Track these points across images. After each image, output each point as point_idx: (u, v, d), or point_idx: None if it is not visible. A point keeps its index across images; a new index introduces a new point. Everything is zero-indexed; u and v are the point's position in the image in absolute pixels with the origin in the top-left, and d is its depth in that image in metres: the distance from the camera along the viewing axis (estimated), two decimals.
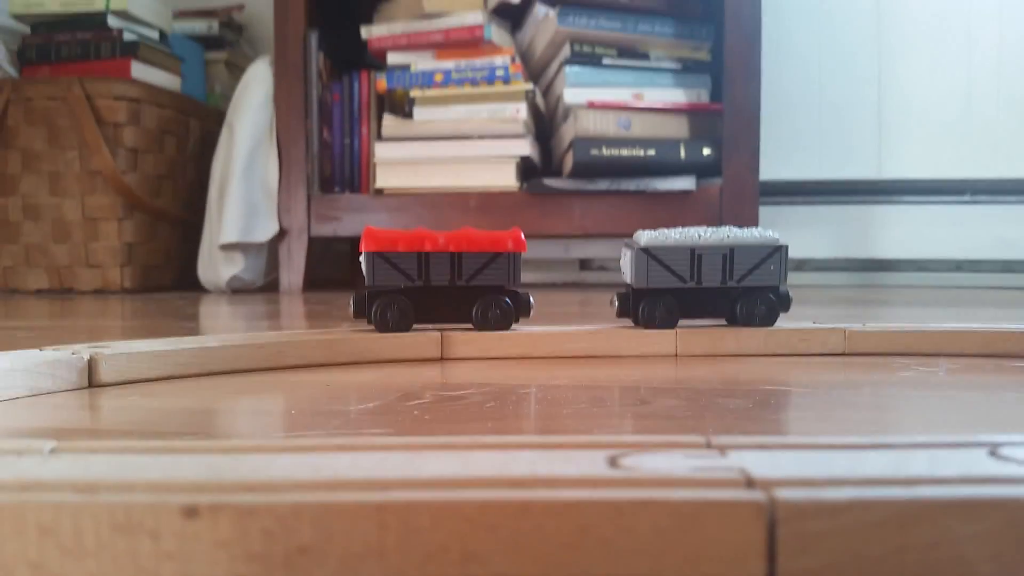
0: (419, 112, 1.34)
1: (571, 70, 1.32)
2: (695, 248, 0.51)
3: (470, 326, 0.52)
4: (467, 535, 0.16)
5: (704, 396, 0.37)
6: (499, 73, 1.32)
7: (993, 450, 0.19)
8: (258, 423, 0.35)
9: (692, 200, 1.30)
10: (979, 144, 1.56)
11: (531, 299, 0.53)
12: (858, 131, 1.59)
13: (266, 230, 1.36)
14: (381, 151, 1.35)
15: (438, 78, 1.34)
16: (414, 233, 0.50)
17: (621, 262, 0.54)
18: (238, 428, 0.34)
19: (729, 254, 0.51)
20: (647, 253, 0.51)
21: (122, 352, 0.42)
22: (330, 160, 1.42)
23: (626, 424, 0.32)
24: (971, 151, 1.56)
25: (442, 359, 0.50)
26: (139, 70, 1.39)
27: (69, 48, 1.39)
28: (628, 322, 0.54)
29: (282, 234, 1.37)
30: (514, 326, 0.52)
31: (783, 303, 0.53)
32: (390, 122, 1.35)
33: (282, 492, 0.16)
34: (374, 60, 1.43)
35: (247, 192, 1.35)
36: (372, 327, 0.51)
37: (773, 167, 1.50)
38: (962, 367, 0.47)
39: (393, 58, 1.38)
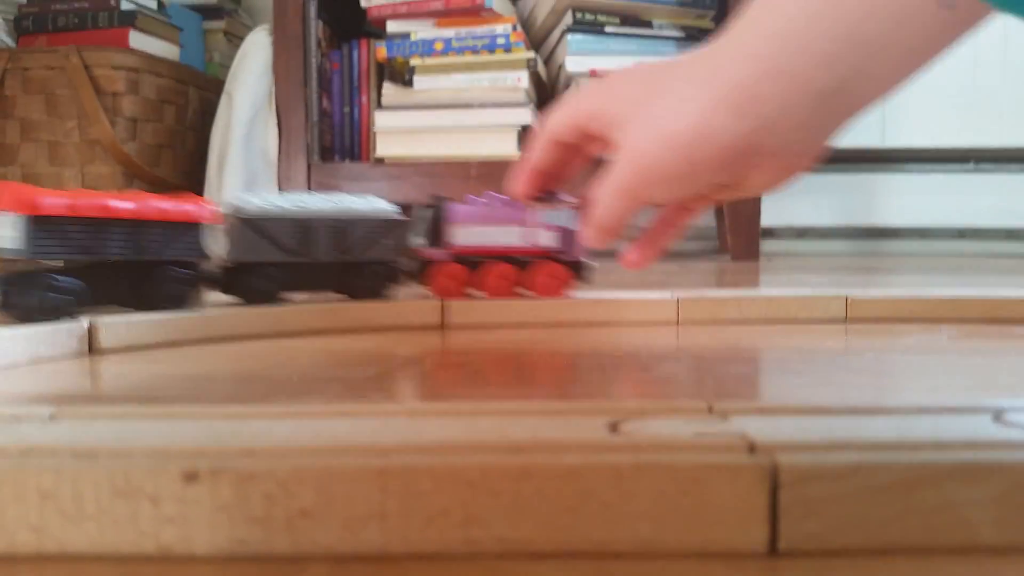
0: (419, 81, 1.33)
1: (573, 38, 1.30)
2: (303, 219, 0.47)
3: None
4: (469, 499, 0.16)
5: (705, 362, 0.37)
6: (500, 41, 1.30)
7: (997, 415, 0.18)
8: (258, 389, 0.35)
9: None
10: (983, 113, 1.54)
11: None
12: None
13: None
14: (381, 120, 1.34)
15: (438, 46, 1.32)
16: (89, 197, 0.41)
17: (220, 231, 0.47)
18: (238, 394, 0.34)
19: (343, 226, 0.48)
20: (249, 224, 0.45)
21: (121, 319, 0.42)
22: (330, 129, 1.41)
23: (627, 390, 0.32)
24: (975, 119, 1.55)
25: (443, 326, 0.50)
26: (137, 39, 1.37)
27: (66, 17, 1.37)
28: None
29: None
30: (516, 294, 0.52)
31: (394, 276, 0.51)
32: (390, 91, 1.34)
33: (283, 457, 0.16)
34: (374, 28, 1.41)
35: (247, 161, 1.35)
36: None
37: None
38: (965, 334, 0.47)
39: (393, 26, 1.36)
